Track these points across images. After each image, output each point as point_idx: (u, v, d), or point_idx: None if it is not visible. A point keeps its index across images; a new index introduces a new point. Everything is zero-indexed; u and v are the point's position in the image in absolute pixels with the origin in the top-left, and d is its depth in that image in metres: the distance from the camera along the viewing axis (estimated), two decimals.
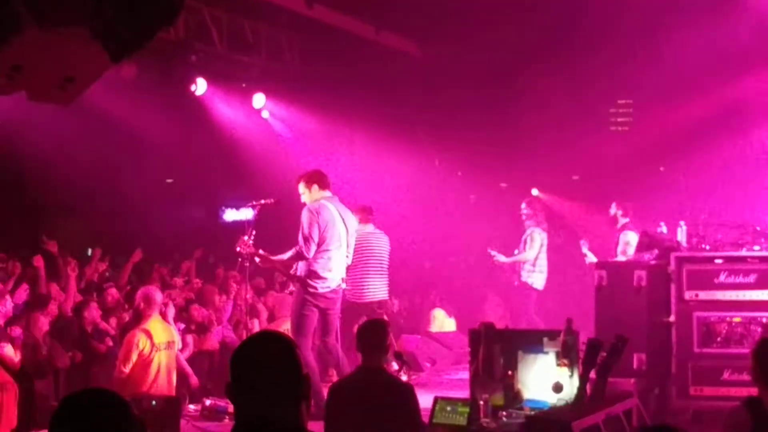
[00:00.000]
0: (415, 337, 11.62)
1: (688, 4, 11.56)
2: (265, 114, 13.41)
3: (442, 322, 12.62)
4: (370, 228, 10.06)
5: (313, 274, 8.15)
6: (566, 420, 5.70)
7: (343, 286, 8.54)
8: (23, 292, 8.83)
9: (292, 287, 8.87)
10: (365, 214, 10.02)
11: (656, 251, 8.30)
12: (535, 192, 13.57)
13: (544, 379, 6.35)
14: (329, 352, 8.33)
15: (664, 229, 9.18)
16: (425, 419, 5.72)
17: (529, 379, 6.40)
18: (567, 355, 6.29)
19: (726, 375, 7.74)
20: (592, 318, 7.99)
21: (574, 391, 6.22)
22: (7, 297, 8.14)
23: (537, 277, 11.40)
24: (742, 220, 8.65)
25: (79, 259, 10.11)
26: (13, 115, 9.86)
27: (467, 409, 5.85)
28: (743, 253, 8.01)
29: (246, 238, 8.23)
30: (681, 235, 8.42)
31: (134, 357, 7.76)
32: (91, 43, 5.03)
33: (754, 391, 4.59)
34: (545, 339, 6.47)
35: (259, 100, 12.94)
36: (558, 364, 6.32)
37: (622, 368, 6.86)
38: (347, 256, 8.42)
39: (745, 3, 11.52)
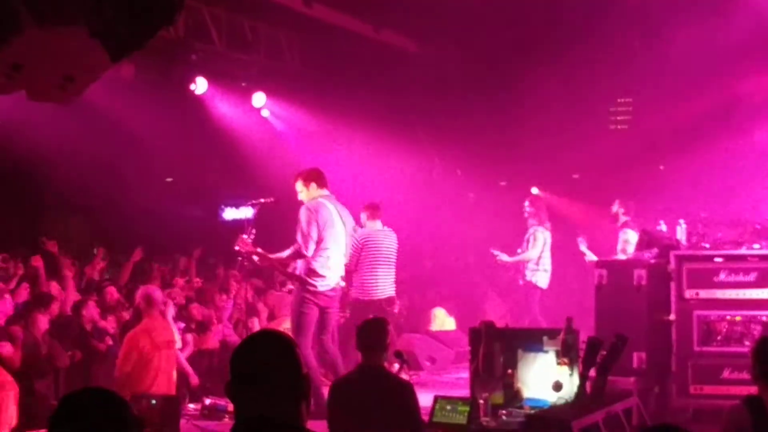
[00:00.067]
0: (415, 336, 11.63)
1: (688, 3, 11.55)
2: (264, 113, 13.41)
3: (443, 320, 12.61)
4: (378, 225, 9.78)
5: (312, 273, 8.14)
6: (566, 419, 5.70)
7: (342, 284, 8.52)
8: (24, 292, 8.83)
9: (290, 286, 8.85)
10: (373, 210, 9.80)
11: (656, 249, 8.29)
12: (534, 190, 13.56)
13: (544, 378, 6.34)
14: (325, 350, 8.30)
15: (663, 227, 9.17)
16: (425, 418, 5.72)
17: (529, 378, 6.39)
18: (567, 354, 6.28)
19: (726, 373, 7.72)
20: (592, 316, 7.99)
21: (574, 389, 6.21)
22: (8, 296, 8.14)
23: (541, 276, 11.34)
24: (742, 219, 8.64)
25: (85, 259, 10.11)
26: (13, 114, 9.85)
27: (467, 408, 5.85)
28: (743, 251, 8.00)
29: (245, 236, 8.21)
30: (681, 234, 8.42)
31: (134, 356, 7.75)
32: (91, 42, 5.02)
33: (754, 389, 4.59)
34: (545, 338, 6.46)
35: (258, 98, 12.93)
36: (558, 363, 6.31)
37: (622, 367, 6.87)
38: (345, 255, 8.41)
39: (745, 1, 11.51)
